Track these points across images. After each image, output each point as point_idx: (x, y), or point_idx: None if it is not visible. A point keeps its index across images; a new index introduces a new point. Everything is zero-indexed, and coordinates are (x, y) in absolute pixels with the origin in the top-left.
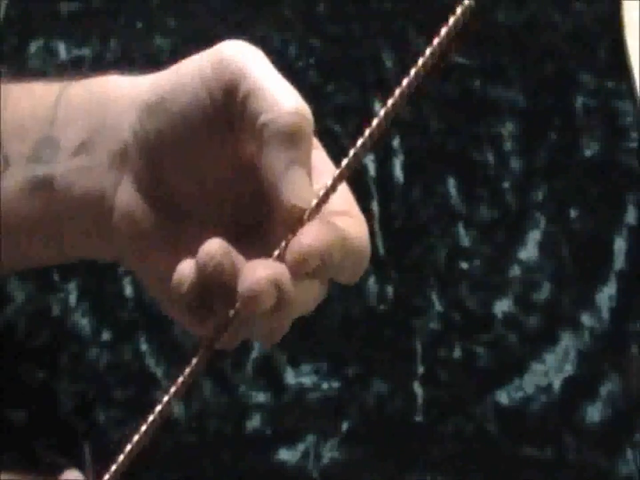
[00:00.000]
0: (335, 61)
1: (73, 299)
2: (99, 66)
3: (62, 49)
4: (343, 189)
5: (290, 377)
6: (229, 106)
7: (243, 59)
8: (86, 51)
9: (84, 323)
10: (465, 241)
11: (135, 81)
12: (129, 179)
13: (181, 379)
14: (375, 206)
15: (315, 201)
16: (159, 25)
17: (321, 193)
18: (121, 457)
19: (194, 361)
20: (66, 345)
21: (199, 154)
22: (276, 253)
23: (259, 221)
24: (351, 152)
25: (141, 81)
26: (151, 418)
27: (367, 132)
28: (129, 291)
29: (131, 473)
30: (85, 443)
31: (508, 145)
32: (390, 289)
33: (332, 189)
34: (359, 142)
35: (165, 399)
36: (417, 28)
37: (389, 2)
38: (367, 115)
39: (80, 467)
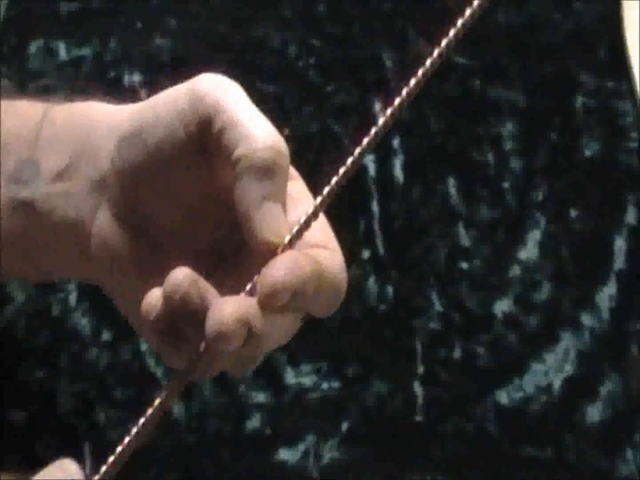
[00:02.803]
0: (335, 61)
1: (72, 298)
2: (99, 66)
3: (62, 49)
4: (321, 220)
5: (290, 377)
6: (204, 139)
7: (218, 93)
8: (86, 51)
9: (84, 322)
10: (465, 241)
11: (116, 109)
12: (106, 206)
13: (150, 411)
14: (374, 206)
15: (288, 237)
16: (159, 25)
17: (295, 228)
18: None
19: (163, 394)
20: (66, 344)
21: (174, 184)
22: (248, 287)
23: (236, 248)
24: (329, 187)
25: (121, 109)
26: (119, 449)
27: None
28: None
29: (131, 473)
30: (85, 443)
31: (508, 145)
32: (390, 289)
33: (306, 225)
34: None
35: (134, 430)
36: (416, 28)
37: (388, 2)
38: (367, 115)
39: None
